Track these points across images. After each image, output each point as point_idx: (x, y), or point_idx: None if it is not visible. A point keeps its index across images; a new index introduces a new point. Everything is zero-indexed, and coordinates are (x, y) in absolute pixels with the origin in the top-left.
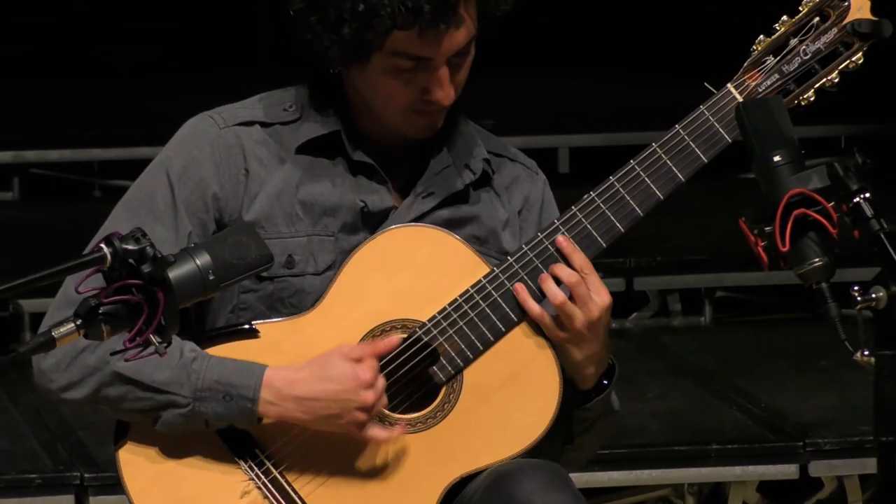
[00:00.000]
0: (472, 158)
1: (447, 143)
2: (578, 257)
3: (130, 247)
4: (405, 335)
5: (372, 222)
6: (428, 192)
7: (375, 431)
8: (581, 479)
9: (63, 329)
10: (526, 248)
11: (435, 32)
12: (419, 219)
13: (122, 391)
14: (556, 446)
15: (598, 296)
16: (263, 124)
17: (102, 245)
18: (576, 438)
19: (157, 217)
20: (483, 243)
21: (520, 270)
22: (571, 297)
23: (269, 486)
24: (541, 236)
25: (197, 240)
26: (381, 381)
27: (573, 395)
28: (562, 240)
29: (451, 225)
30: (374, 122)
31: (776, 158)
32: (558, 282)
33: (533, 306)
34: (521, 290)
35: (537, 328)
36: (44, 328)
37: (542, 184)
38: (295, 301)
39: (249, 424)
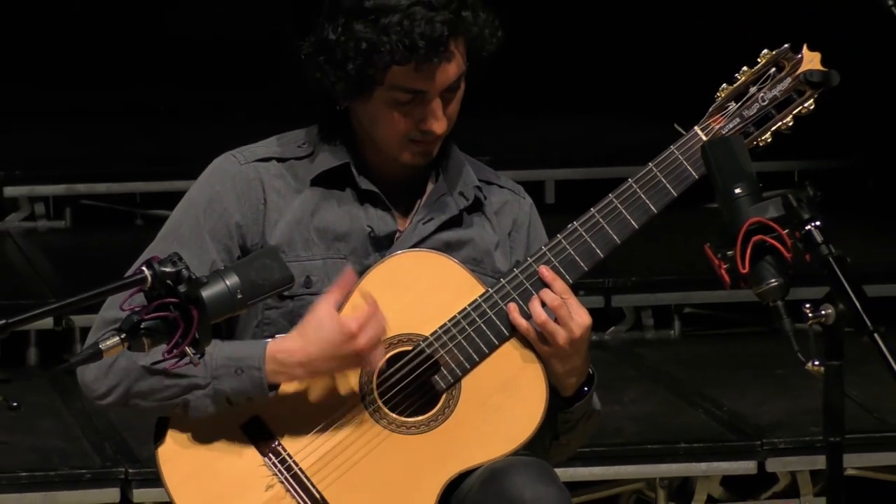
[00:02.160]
0: (465, 186)
1: (442, 173)
2: (559, 284)
3: (168, 269)
4: (410, 347)
5: (379, 245)
6: (428, 219)
7: (373, 360)
8: (566, 473)
9: (109, 342)
10: (517, 272)
11: (429, 67)
12: (421, 242)
13: (150, 383)
14: (545, 442)
15: (579, 317)
16: (280, 160)
17: (143, 268)
18: (561, 436)
19: (182, 244)
20: (479, 263)
21: (511, 291)
22: (556, 319)
23: (291, 480)
24: (530, 260)
25: (222, 264)
26: (370, 327)
27: (557, 401)
28: (543, 270)
29: (449, 247)
30: (378, 154)
31: (737, 191)
32: (544, 304)
33: (522, 323)
34: (513, 309)
35: (527, 342)
36: (90, 341)
37: (528, 207)
38: None
39: (263, 393)
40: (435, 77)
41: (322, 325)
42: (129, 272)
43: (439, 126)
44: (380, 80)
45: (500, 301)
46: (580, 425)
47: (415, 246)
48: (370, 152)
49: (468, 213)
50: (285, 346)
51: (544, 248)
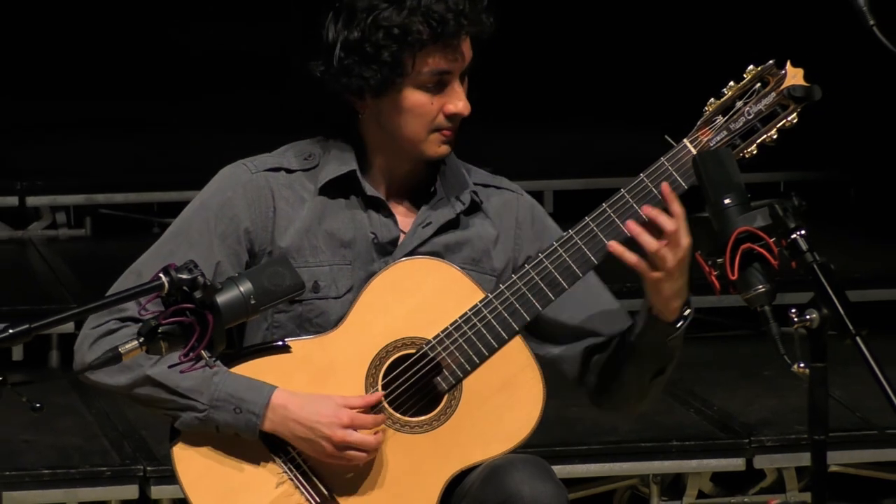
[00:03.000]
0: (461, 191)
1: (441, 178)
2: (677, 206)
3: (184, 276)
4: (413, 350)
5: (383, 251)
6: (427, 223)
7: (349, 457)
8: (563, 470)
9: (128, 346)
10: (515, 278)
11: (454, 45)
12: (421, 245)
13: (151, 392)
14: (643, 384)
15: (686, 239)
16: (288, 170)
17: (161, 274)
18: (667, 368)
19: (190, 245)
20: (477, 263)
21: (510, 297)
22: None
23: (300, 477)
24: (527, 267)
25: (227, 266)
26: (361, 432)
27: (664, 327)
28: (665, 187)
29: (449, 249)
30: (387, 159)
31: (726, 201)
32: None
33: (631, 256)
34: (615, 246)
35: (524, 345)
36: (91, 326)
37: (527, 203)
38: (320, 321)
39: (252, 436)
40: (460, 53)
41: (326, 402)
42: (136, 264)
43: (465, 106)
44: (411, 65)
45: (499, 306)
46: (676, 355)
47: (415, 249)
48: (378, 159)
49: (466, 216)
50: (286, 402)
51: (541, 256)
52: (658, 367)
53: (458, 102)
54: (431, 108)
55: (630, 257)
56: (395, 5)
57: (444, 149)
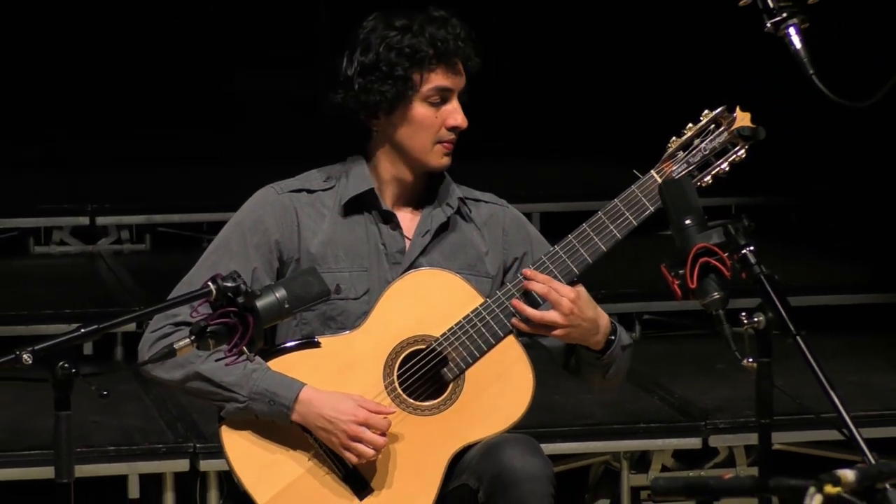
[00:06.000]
0: (450, 198)
1: (436, 195)
2: (540, 276)
3: (229, 284)
4: (424, 346)
5: (392, 259)
6: (425, 231)
7: (359, 450)
8: (548, 447)
9: (181, 343)
10: (510, 286)
11: (454, 67)
12: (423, 252)
13: (200, 385)
14: (597, 380)
15: (565, 293)
16: (309, 191)
17: (209, 283)
18: (608, 374)
19: (231, 255)
20: (474, 268)
21: (505, 301)
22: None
23: (329, 451)
24: (520, 277)
25: (263, 274)
26: (375, 427)
27: (594, 354)
28: (526, 271)
29: (446, 257)
30: (394, 175)
31: (687, 222)
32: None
33: (525, 327)
34: (515, 322)
35: (517, 342)
36: (151, 330)
37: (511, 213)
38: (342, 318)
39: (284, 423)
40: (459, 73)
41: (345, 399)
42: (187, 276)
43: (463, 119)
44: (419, 82)
45: (495, 308)
46: (617, 361)
47: (420, 255)
48: (387, 176)
49: (458, 221)
50: (313, 398)
51: (532, 268)
52: (603, 372)
53: (457, 116)
54: (435, 121)
55: (524, 327)
56: (403, 32)
57: (446, 160)
